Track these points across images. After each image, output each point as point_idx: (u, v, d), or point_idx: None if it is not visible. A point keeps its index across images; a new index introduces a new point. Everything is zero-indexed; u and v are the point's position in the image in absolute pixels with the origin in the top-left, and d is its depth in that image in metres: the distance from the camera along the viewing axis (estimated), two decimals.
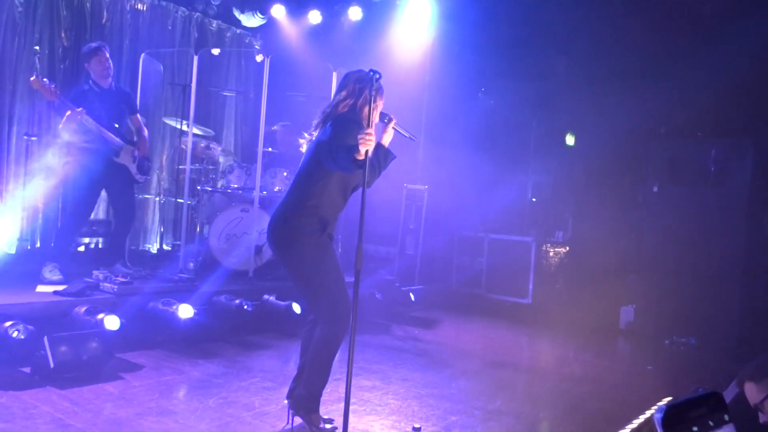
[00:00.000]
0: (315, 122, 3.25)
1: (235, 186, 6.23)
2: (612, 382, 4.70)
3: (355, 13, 7.94)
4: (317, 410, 3.19)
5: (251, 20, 7.99)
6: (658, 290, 6.44)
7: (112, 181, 5.14)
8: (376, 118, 3.09)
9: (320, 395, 3.18)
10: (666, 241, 6.48)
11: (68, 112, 4.69)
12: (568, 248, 7.39)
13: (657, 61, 6.95)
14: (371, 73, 2.94)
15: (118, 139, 5.10)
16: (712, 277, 6.14)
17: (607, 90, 7.08)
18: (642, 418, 3.43)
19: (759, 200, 6.24)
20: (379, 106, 3.14)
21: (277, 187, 6.25)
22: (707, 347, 5.93)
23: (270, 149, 6.64)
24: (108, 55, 5.07)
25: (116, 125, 5.12)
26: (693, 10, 6.74)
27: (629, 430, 3.23)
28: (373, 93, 2.89)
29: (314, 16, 8.12)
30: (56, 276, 4.90)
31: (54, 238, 5.60)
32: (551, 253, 7.34)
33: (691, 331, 6.11)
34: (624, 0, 6.73)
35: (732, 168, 6.22)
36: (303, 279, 3.09)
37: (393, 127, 3.17)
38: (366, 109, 2.96)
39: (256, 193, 5.89)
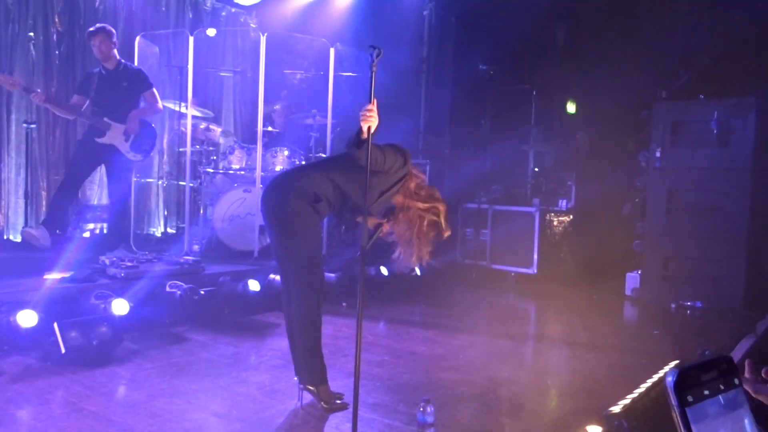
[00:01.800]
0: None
1: (237, 167, 6.22)
2: (619, 347, 4.72)
3: None
4: (325, 382, 3.19)
5: None
6: (664, 255, 6.44)
7: (99, 161, 5.35)
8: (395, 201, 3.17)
9: (322, 367, 3.18)
10: (670, 205, 6.47)
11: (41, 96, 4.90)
12: (571, 217, 7.38)
13: (655, 24, 6.88)
14: (371, 48, 2.90)
15: (104, 120, 5.21)
16: (718, 239, 6.15)
17: (606, 56, 7.05)
18: (650, 382, 3.44)
19: (764, 159, 6.20)
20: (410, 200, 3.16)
21: (278, 167, 6.23)
22: (713, 309, 5.94)
23: (270, 128, 6.61)
24: (98, 42, 5.17)
25: (110, 104, 5.20)
26: None
27: (637, 393, 3.24)
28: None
29: None
30: (36, 231, 5.04)
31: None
32: (555, 222, 7.33)
33: (697, 295, 6.13)
34: None
35: (735, 128, 6.16)
36: (282, 244, 3.12)
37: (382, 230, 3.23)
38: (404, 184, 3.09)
39: (257, 173, 5.87)
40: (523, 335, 5.23)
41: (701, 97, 6.43)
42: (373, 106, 2.78)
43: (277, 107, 6.96)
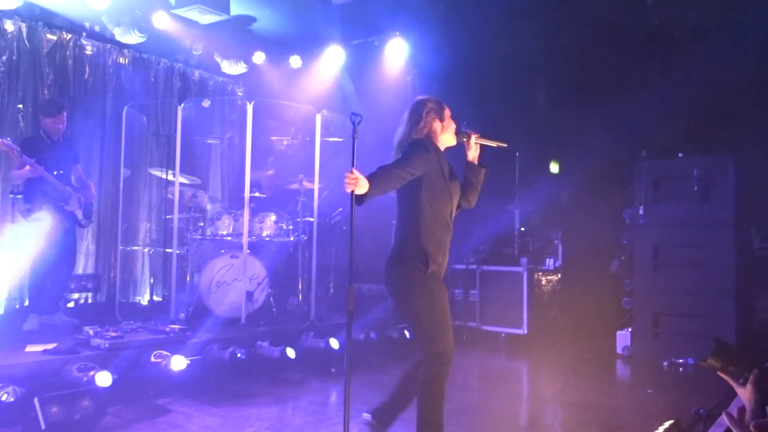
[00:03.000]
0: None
1: (224, 233, 6.21)
2: (614, 407, 4.66)
3: (335, 55, 8.07)
4: None
5: (233, 68, 8.10)
6: (653, 311, 6.45)
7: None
8: (449, 140, 3.25)
9: None
10: (657, 261, 6.53)
11: (27, 167, 5.11)
12: (559, 275, 7.40)
13: (635, 85, 7.06)
14: (352, 116, 2.99)
15: (67, 188, 5.46)
16: (706, 294, 6.19)
17: (587, 116, 7.19)
18: None
19: (745, 214, 6.33)
20: (447, 126, 3.25)
21: (266, 232, 6.24)
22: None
23: (257, 194, 6.64)
24: (65, 117, 5.55)
25: (62, 173, 5.44)
26: (666, 34, 6.91)
27: None
28: (431, 115, 3.14)
29: (295, 61, 8.26)
30: (34, 325, 5.16)
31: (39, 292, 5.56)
32: (543, 282, 7.34)
33: (689, 351, 6.08)
34: (601, 27, 6.88)
35: (715, 184, 6.31)
36: (408, 316, 3.18)
37: (476, 142, 3.27)
38: (427, 131, 3.16)
39: (244, 239, 5.87)
40: (517, 396, 5.15)
41: (680, 155, 6.58)
42: (355, 172, 2.81)
43: (270, 172, 7.02)
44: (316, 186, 6.32)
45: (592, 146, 7.00)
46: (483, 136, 3.30)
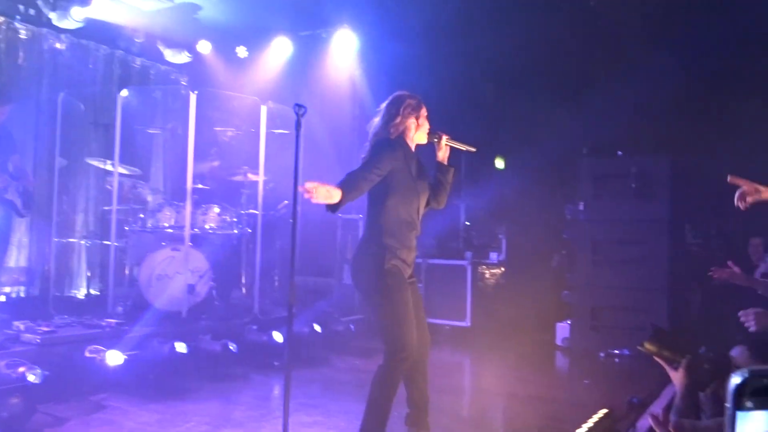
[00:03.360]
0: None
1: (165, 225, 6.06)
2: (552, 398, 4.78)
3: (282, 47, 7.99)
4: None
5: (177, 57, 7.91)
6: (591, 305, 6.63)
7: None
8: (421, 138, 3.29)
9: None
10: (596, 257, 6.70)
11: None
12: (503, 269, 7.52)
13: (580, 84, 7.27)
14: (296, 107, 2.98)
15: (5, 176, 5.30)
16: (641, 288, 6.39)
17: (533, 114, 7.36)
18: None
19: (679, 211, 6.58)
20: (421, 125, 3.28)
21: (209, 224, 6.12)
22: (640, 357, 6.10)
23: (201, 185, 6.50)
24: (8, 109, 5.44)
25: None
26: (611, 37, 7.07)
27: None
28: (407, 111, 3.17)
29: (241, 51, 8.13)
30: None
31: None
32: (487, 275, 7.45)
33: (624, 343, 6.28)
34: (548, 29, 6.97)
35: (652, 183, 6.51)
36: (370, 310, 3.31)
37: (446, 143, 3.34)
38: (402, 127, 3.19)
39: (186, 231, 5.74)
40: (459, 389, 5.22)
41: (619, 153, 6.78)
42: (311, 185, 2.79)
43: (215, 164, 6.89)
44: (260, 178, 6.24)
45: (538, 143, 7.17)
46: (453, 138, 3.38)
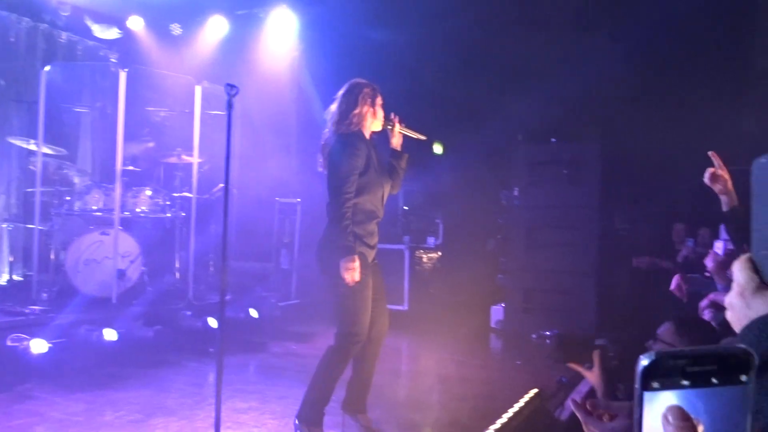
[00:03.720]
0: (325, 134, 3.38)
1: (93, 208, 5.85)
2: (485, 379, 4.90)
3: (218, 26, 7.78)
4: (318, 426, 3.22)
5: (106, 32, 7.57)
6: (524, 288, 6.80)
7: None
8: (375, 125, 3.38)
9: (316, 411, 3.22)
10: (529, 241, 6.85)
11: None
12: (440, 253, 7.62)
13: (517, 73, 7.36)
14: (227, 87, 2.93)
15: None
16: (571, 272, 6.59)
17: (471, 101, 7.45)
18: (511, 412, 3.59)
19: (609, 198, 6.78)
20: (377, 113, 3.36)
21: (140, 207, 5.95)
22: (569, 337, 6.31)
23: (131, 167, 6.29)
24: None
25: None
26: (547, 24, 7.26)
27: (500, 424, 3.37)
28: (365, 101, 3.25)
29: (175, 29, 7.88)
30: None
31: None
32: (424, 259, 7.53)
33: (554, 325, 6.43)
34: (484, 13, 7.09)
35: (583, 170, 6.69)
36: (333, 291, 3.24)
37: (399, 131, 3.44)
38: (359, 119, 3.25)
39: (116, 214, 5.56)
40: (395, 372, 5.27)
41: (553, 140, 6.94)
42: (354, 264, 3.07)
43: (150, 144, 6.67)
44: (195, 160, 6.10)
45: (476, 129, 7.26)
46: (407, 126, 3.47)
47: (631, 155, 6.80)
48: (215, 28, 7.82)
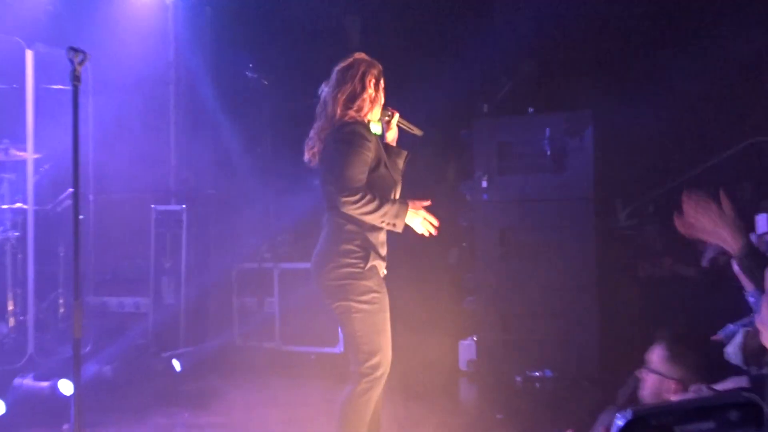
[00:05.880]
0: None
1: None
2: None
3: None
4: None
5: None
6: (501, 313, 6.76)
7: None
8: (376, 115, 3.70)
9: None
10: (505, 248, 6.81)
11: None
12: (385, 272, 7.49)
13: (474, 25, 7.43)
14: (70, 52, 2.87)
15: None
16: (564, 290, 6.59)
17: (415, 59, 7.35)
18: None
19: (606, 184, 6.79)
20: (382, 98, 3.67)
21: None
22: (566, 378, 6.33)
23: None
24: None
25: None
26: None
27: None
28: (371, 81, 3.57)
29: None
30: None
31: None
32: None
33: (545, 362, 6.47)
34: None
35: (572, 148, 6.67)
36: (341, 319, 3.53)
37: (397, 124, 3.82)
38: (368, 105, 3.58)
39: None
40: None
41: (531, 110, 6.90)
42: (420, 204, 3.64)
43: None
44: (30, 156, 5.95)
45: (422, 100, 6.83)
46: (403, 118, 3.85)
47: (636, 126, 6.78)
48: None
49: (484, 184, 6.91)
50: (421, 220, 3.59)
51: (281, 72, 7.75)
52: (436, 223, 3.62)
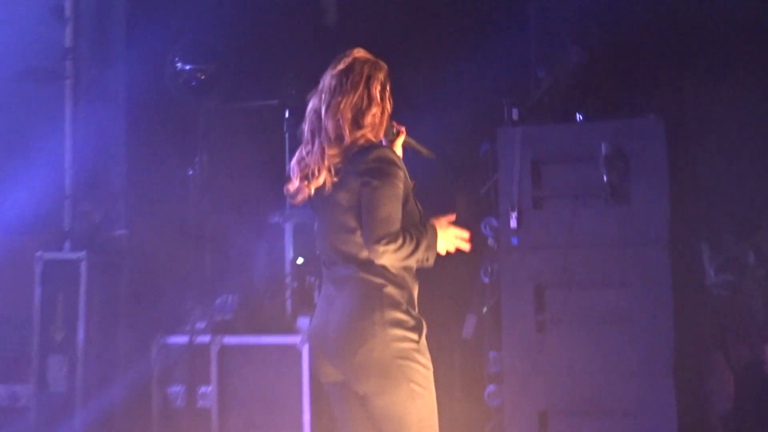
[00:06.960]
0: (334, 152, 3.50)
1: None
2: None
3: None
4: None
5: None
6: (538, 408, 6.34)
7: None
8: (381, 132, 3.64)
9: None
10: (542, 315, 6.43)
11: None
12: None
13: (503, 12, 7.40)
14: None
15: None
16: (630, 371, 6.20)
17: (412, 45, 7.39)
18: None
19: (688, 222, 6.48)
20: (388, 109, 3.59)
21: None
22: None
23: None
24: None
25: None
26: None
27: None
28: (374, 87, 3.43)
29: None
30: None
31: None
32: None
33: None
34: None
35: (638, 169, 6.32)
36: (385, 413, 3.36)
37: (405, 144, 3.76)
38: (379, 122, 3.51)
39: None
40: None
41: (579, 117, 6.58)
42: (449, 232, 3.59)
43: None
44: None
45: (424, 104, 7.06)
46: (412, 137, 3.85)
47: (728, 140, 6.52)
48: None
49: (514, 222, 6.46)
50: (452, 239, 3.55)
51: (225, 62, 7.49)
52: (467, 235, 3.65)
